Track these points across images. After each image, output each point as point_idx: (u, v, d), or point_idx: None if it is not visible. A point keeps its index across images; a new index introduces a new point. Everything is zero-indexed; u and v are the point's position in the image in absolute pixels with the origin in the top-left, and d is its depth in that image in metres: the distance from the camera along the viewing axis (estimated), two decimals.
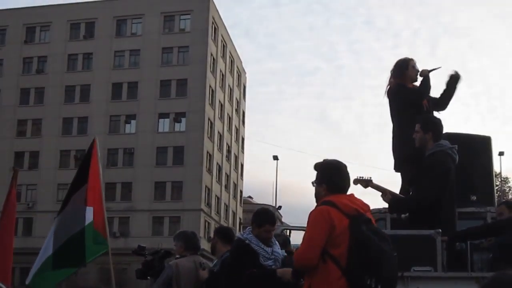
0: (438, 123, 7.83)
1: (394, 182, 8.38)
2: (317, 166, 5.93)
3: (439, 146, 7.54)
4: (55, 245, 9.19)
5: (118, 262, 33.71)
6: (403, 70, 8.50)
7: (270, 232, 7.18)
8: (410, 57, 8.67)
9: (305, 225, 5.73)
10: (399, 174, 8.39)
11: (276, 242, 7.27)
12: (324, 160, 6.05)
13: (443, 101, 8.60)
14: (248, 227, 7.34)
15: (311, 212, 5.55)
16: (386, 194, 7.69)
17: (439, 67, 8.67)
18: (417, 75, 8.51)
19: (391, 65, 8.66)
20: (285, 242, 9.04)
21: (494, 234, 7.40)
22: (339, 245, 5.37)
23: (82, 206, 9.16)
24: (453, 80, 8.57)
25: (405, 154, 8.11)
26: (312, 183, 5.91)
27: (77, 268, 9.48)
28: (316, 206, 5.61)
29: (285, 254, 7.27)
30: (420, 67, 8.58)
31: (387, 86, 8.60)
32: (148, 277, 8.64)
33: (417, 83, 8.55)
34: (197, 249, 8.45)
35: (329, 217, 5.41)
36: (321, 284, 5.35)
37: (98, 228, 9.17)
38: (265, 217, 7.26)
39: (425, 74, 8.47)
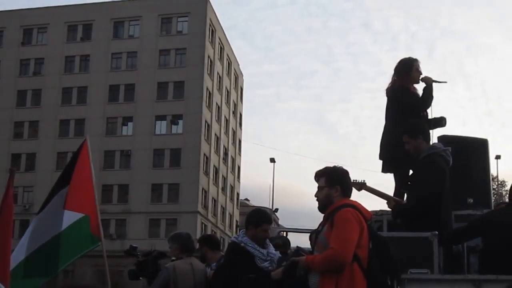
0: (423, 125, 7.90)
1: (390, 185, 8.38)
2: (328, 170, 6.06)
3: (433, 149, 7.55)
4: (29, 249, 9.04)
5: (115, 264, 33.62)
6: (408, 70, 8.50)
7: (267, 232, 7.21)
8: (414, 57, 8.67)
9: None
10: (388, 175, 8.43)
11: (270, 243, 7.28)
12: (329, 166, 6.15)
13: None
14: (242, 230, 7.37)
15: (341, 214, 5.69)
16: (390, 201, 7.73)
17: (445, 82, 8.69)
18: (419, 77, 8.51)
19: (388, 68, 8.66)
20: (285, 243, 9.05)
21: (477, 232, 7.34)
22: (362, 247, 5.62)
23: (60, 210, 9.02)
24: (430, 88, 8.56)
25: (397, 157, 8.11)
26: (321, 186, 5.96)
27: (48, 279, 9.34)
28: (340, 209, 5.75)
29: (280, 255, 7.28)
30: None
31: (389, 84, 8.61)
32: (140, 278, 8.61)
33: (418, 86, 8.55)
34: (193, 251, 8.44)
35: (359, 219, 5.67)
36: (347, 283, 5.51)
37: (93, 230, 9.11)
38: (263, 217, 7.30)
39: (429, 83, 8.45)
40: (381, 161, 8.59)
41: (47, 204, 9.23)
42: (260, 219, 7.19)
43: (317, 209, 6.01)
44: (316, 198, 6.03)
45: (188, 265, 8.04)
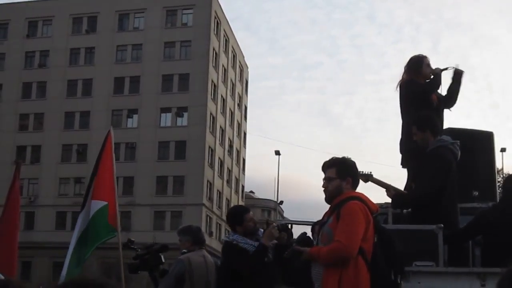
0: (432, 118, 7.83)
1: (395, 177, 8.39)
2: (338, 161, 6.03)
3: (440, 142, 7.53)
4: (72, 242, 9.21)
5: (118, 256, 33.49)
6: (418, 67, 8.47)
7: (253, 220, 7.40)
8: (423, 54, 8.66)
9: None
10: (404, 169, 8.40)
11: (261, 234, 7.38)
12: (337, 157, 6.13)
13: (451, 97, 8.58)
14: (231, 232, 7.53)
15: (348, 206, 5.70)
16: (389, 189, 7.71)
17: (454, 67, 8.64)
18: (430, 73, 8.48)
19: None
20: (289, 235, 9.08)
21: (481, 229, 7.34)
22: (368, 240, 5.64)
23: (89, 201, 9.18)
24: (458, 75, 8.57)
25: (410, 149, 8.10)
26: (331, 177, 5.94)
27: (80, 267, 9.47)
28: (346, 201, 5.76)
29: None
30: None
31: (399, 81, 8.60)
32: (139, 272, 8.60)
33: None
34: (203, 243, 8.48)
35: (366, 213, 5.67)
36: (352, 276, 5.53)
37: (110, 220, 9.19)
38: (240, 211, 7.61)
39: (437, 72, 8.45)
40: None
41: (86, 198, 9.41)
42: (239, 215, 7.42)
43: (323, 200, 6.00)
44: (324, 189, 5.99)
45: (201, 257, 8.08)
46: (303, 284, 6.36)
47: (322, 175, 6.02)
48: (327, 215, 5.92)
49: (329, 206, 6.04)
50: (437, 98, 8.45)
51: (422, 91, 8.36)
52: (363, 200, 5.76)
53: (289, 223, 14.50)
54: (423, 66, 8.47)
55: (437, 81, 8.44)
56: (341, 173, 5.93)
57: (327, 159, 6.11)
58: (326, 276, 5.62)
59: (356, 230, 5.59)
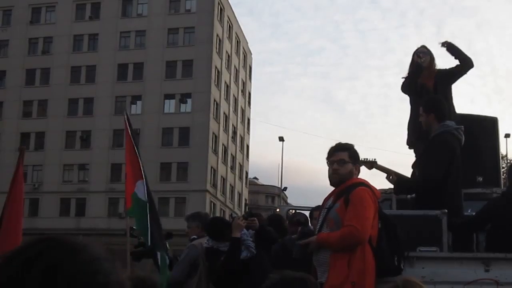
0: (440, 102, 7.80)
1: (399, 163, 8.39)
2: (350, 146, 6.06)
3: (445, 127, 7.50)
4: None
5: (123, 243, 33.67)
6: (411, 61, 8.60)
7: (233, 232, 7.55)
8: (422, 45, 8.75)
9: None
10: (402, 154, 8.46)
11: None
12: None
13: (462, 60, 8.57)
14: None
15: (358, 192, 5.74)
16: (391, 175, 7.70)
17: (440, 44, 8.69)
18: (422, 62, 8.53)
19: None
20: (306, 220, 9.13)
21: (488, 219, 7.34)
22: (373, 226, 5.74)
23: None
24: (449, 48, 8.61)
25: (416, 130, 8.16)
26: (344, 160, 5.92)
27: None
28: (355, 187, 5.79)
29: (252, 232, 7.55)
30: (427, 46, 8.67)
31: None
32: (142, 259, 8.61)
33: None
34: None
35: (374, 199, 5.76)
36: (359, 261, 5.58)
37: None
38: (220, 227, 7.77)
39: (415, 61, 8.57)
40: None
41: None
42: (218, 230, 7.63)
43: (327, 186, 6.01)
44: (334, 171, 5.94)
45: None
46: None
47: (326, 161, 6.01)
48: (332, 200, 5.90)
49: (331, 190, 6.04)
50: (435, 83, 8.49)
51: (408, 84, 8.52)
52: (369, 187, 5.79)
53: (292, 209, 14.53)
54: (414, 58, 8.59)
55: (416, 69, 8.51)
56: (353, 158, 5.95)
57: (332, 144, 6.10)
58: (334, 261, 5.63)
59: (368, 215, 5.64)
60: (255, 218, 7.43)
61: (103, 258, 1.61)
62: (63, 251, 1.56)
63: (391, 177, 7.64)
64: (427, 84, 8.46)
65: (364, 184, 5.83)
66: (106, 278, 1.57)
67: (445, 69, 8.62)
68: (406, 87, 8.57)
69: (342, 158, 5.91)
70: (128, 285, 1.68)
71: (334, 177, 5.94)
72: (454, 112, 8.37)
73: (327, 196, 6.05)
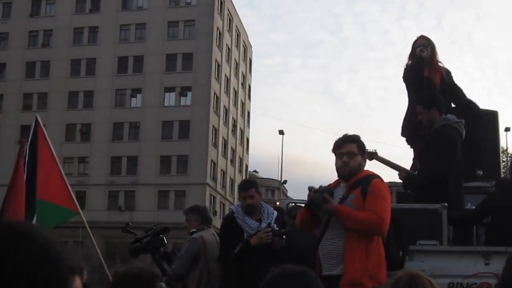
0: (438, 96, 7.81)
1: (398, 156, 8.37)
2: (358, 138, 6.06)
3: (445, 120, 7.50)
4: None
5: (124, 236, 33.68)
6: (412, 51, 8.56)
7: (246, 199, 7.27)
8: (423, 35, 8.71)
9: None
10: (401, 148, 8.46)
11: (271, 216, 7.29)
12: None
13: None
14: (238, 205, 7.60)
15: (378, 184, 5.77)
16: (401, 171, 7.73)
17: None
18: (425, 55, 8.49)
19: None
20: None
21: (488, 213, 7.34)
22: None
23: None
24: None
25: (413, 127, 8.12)
26: (353, 152, 5.91)
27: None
28: (371, 178, 5.80)
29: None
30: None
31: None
32: (139, 255, 8.62)
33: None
34: (211, 222, 8.54)
35: (389, 192, 5.87)
36: (376, 254, 5.62)
37: (63, 203, 9.10)
38: (240, 185, 7.64)
39: (418, 55, 8.53)
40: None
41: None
42: (239, 188, 7.49)
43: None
44: (343, 163, 5.88)
45: (212, 235, 8.15)
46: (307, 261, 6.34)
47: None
48: (345, 192, 5.82)
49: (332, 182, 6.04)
50: (440, 79, 8.45)
51: (412, 78, 8.45)
52: (382, 180, 5.85)
53: (293, 203, 14.51)
54: (416, 52, 8.51)
55: (419, 63, 8.46)
56: (361, 150, 5.94)
57: (332, 137, 6.13)
58: (350, 247, 5.60)
59: (389, 209, 5.67)
60: (282, 240, 7.07)
61: (52, 241, 1.60)
62: (12, 238, 1.55)
63: (400, 174, 7.68)
64: (434, 79, 8.41)
65: (378, 176, 5.85)
66: (55, 264, 1.56)
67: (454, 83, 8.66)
68: (410, 81, 8.48)
69: (352, 151, 5.88)
70: (82, 269, 1.67)
71: (344, 170, 5.88)
72: (475, 104, 8.43)
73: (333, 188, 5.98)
